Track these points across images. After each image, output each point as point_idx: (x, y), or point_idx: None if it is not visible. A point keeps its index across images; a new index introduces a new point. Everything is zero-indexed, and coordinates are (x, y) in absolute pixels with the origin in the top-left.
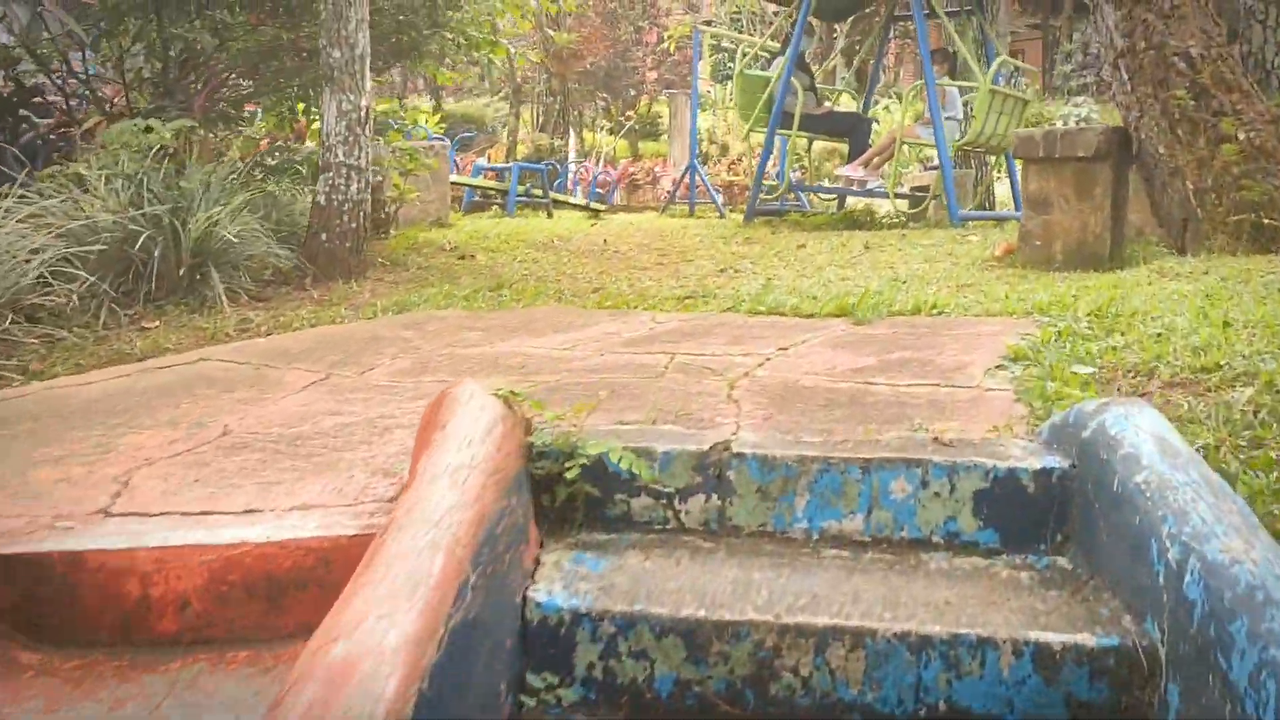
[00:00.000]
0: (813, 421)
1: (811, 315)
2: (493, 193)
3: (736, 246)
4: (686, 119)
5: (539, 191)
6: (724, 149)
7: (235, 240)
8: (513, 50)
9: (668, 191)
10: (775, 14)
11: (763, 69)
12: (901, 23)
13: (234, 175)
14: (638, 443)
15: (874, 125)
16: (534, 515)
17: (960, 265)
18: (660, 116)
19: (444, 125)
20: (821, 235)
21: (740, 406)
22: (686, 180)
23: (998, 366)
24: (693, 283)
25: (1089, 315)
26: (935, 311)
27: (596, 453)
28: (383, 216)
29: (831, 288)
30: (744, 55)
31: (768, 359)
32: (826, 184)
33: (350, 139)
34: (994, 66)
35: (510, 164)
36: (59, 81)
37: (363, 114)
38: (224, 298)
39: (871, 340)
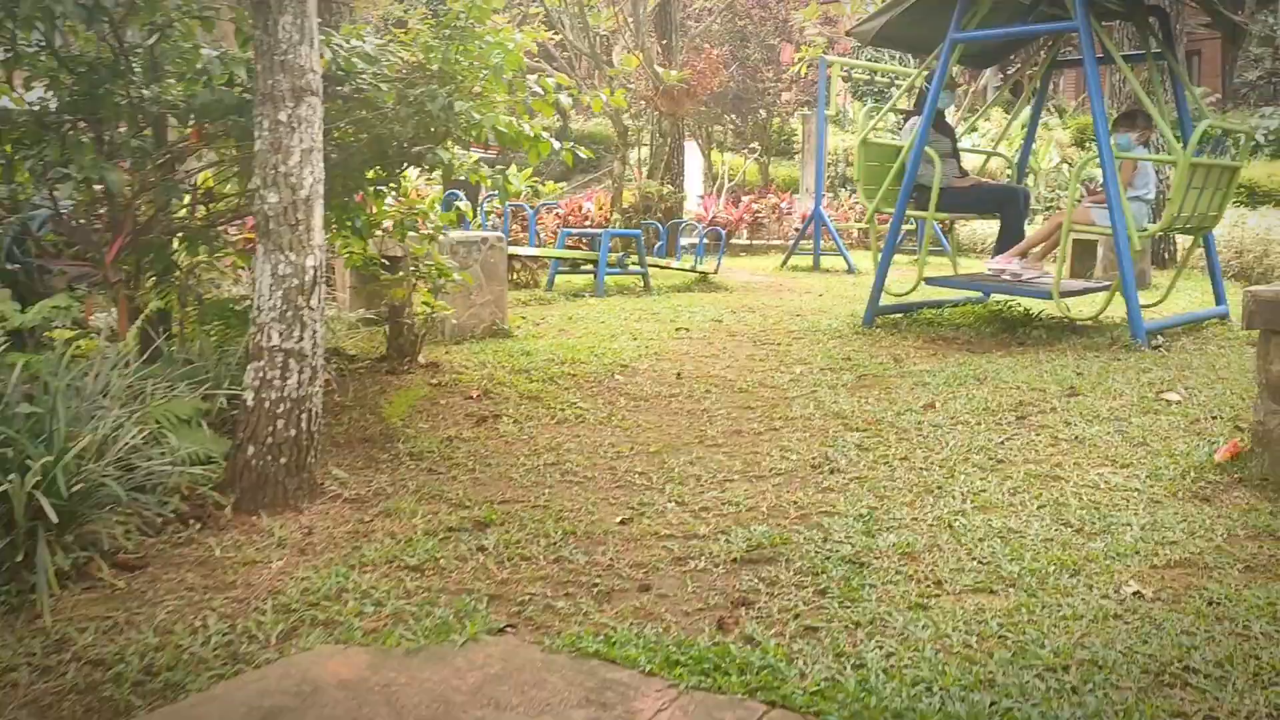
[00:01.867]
0: None
1: None
2: (582, 262)
3: (844, 396)
4: (824, 131)
5: (634, 260)
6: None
7: (88, 484)
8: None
9: (795, 229)
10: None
11: (895, 132)
12: (1068, 68)
13: (145, 357)
14: None
15: (1031, 199)
16: None
17: (1161, 481)
18: (795, 134)
19: (536, 182)
20: (960, 367)
21: None
22: (816, 225)
23: None
24: (767, 502)
25: None
26: None
27: None
28: (406, 343)
29: (961, 544)
30: (869, 114)
31: None
32: (964, 280)
33: (290, 314)
34: (1196, 133)
35: (600, 229)
36: None
37: (308, 279)
38: (51, 588)
39: None
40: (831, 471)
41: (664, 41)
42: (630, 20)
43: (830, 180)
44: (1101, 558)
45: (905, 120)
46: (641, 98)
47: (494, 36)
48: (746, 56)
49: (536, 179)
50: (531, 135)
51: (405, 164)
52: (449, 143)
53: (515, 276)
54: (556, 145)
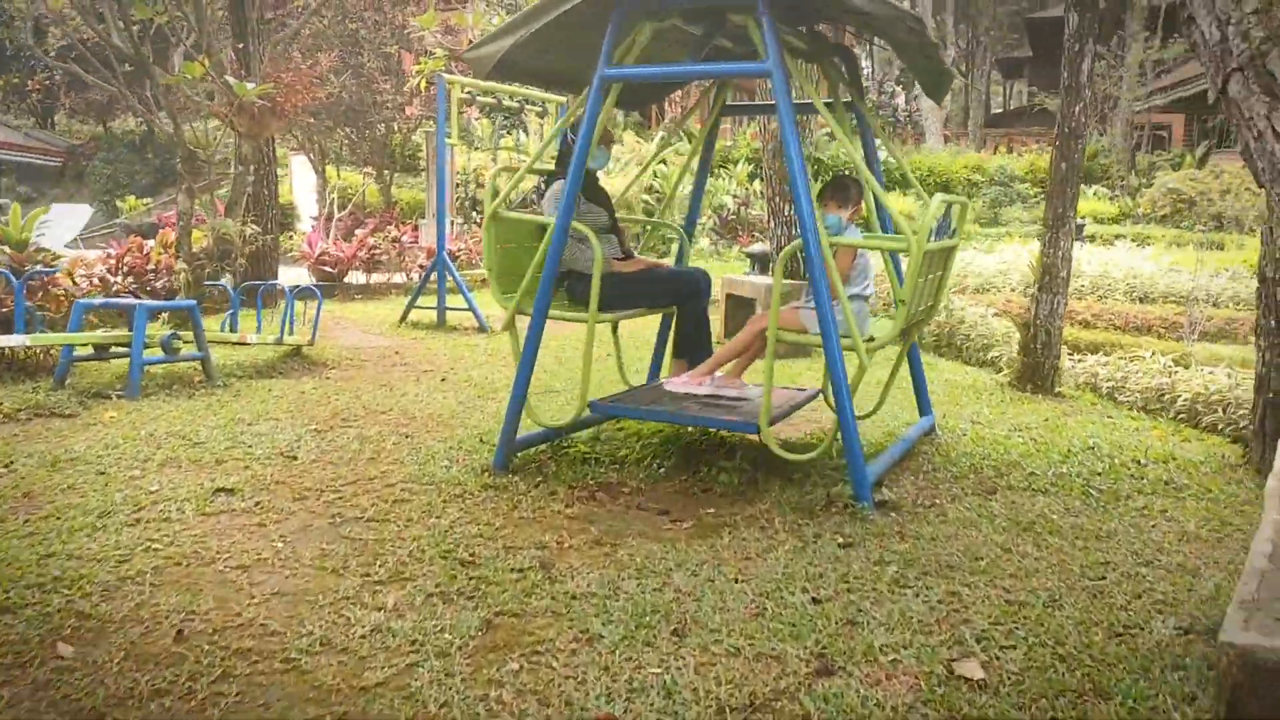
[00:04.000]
0: None
1: None
2: (114, 345)
3: (461, 680)
4: (447, 166)
5: (186, 340)
6: (495, 196)
7: None
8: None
9: (421, 266)
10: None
11: (536, 198)
12: (739, 115)
13: None
14: None
15: (712, 284)
16: None
17: None
18: (421, 150)
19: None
20: (641, 580)
21: None
22: (440, 273)
23: None
24: None
25: None
26: None
27: None
28: None
29: None
30: (496, 177)
31: None
32: (642, 402)
33: None
34: (933, 210)
35: (137, 299)
36: None
37: None
38: None
39: None
40: None
41: (240, 45)
42: (193, 16)
43: (460, 202)
44: None
45: (545, 185)
46: (214, 115)
47: None
48: (361, 64)
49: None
50: None
51: None
52: None
53: (20, 358)
54: None
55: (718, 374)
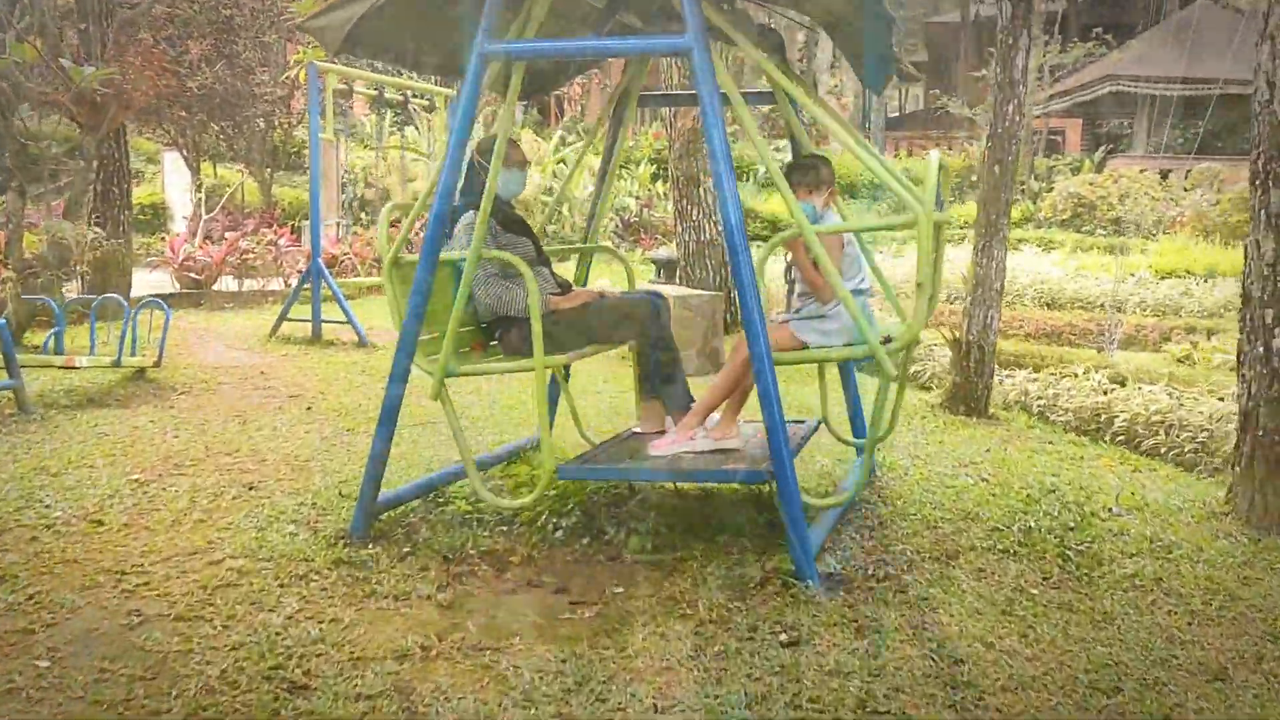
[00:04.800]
0: None
1: None
2: None
3: None
4: (330, 163)
5: None
6: (386, 196)
7: None
8: None
9: (300, 271)
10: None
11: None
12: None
13: None
14: None
15: (670, 310)
16: None
17: None
18: (305, 145)
19: None
20: None
21: None
22: (315, 283)
23: None
24: None
25: None
26: None
27: None
28: None
29: None
30: (391, 211)
31: None
32: (622, 459)
33: None
34: (934, 169)
35: None
36: None
37: None
38: None
39: None
40: None
41: (83, 26)
42: None
43: (346, 202)
44: None
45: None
46: (49, 103)
47: None
48: (236, 54)
49: None
50: None
51: None
52: None
53: None
54: None
55: (710, 421)
